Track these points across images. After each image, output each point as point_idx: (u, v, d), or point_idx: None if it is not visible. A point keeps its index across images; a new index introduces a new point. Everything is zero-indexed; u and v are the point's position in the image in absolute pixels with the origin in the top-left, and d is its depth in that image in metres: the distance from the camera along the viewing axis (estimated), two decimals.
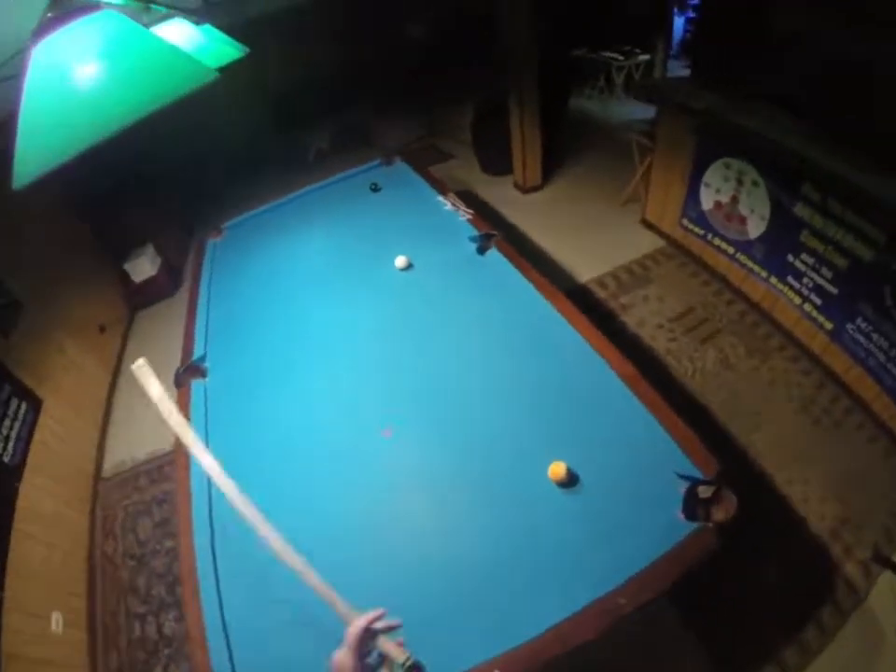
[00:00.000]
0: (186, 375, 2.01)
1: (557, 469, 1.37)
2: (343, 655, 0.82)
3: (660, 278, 3.55)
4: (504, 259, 2.24)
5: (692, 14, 5.64)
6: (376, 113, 5.64)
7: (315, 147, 5.54)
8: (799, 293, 2.84)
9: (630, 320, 3.25)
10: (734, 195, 3.05)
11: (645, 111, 4.86)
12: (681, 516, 1.27)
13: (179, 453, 1.71)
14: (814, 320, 2.79)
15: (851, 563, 2.09)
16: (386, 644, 0.85)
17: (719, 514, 1.27)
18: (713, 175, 3.14)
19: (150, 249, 4.08)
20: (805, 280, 2.77)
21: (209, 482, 1.51)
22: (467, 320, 2.04)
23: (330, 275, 2.47)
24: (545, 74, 3.99)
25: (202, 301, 2.44)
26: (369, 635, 0.84)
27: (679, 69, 5.74)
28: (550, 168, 4.73)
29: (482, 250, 2.34)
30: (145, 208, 4.10)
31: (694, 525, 1.25)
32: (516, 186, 4.68)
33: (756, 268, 3.07)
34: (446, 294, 2.20)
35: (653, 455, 1.38)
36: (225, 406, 1.88)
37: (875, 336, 2.44)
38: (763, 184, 2.82)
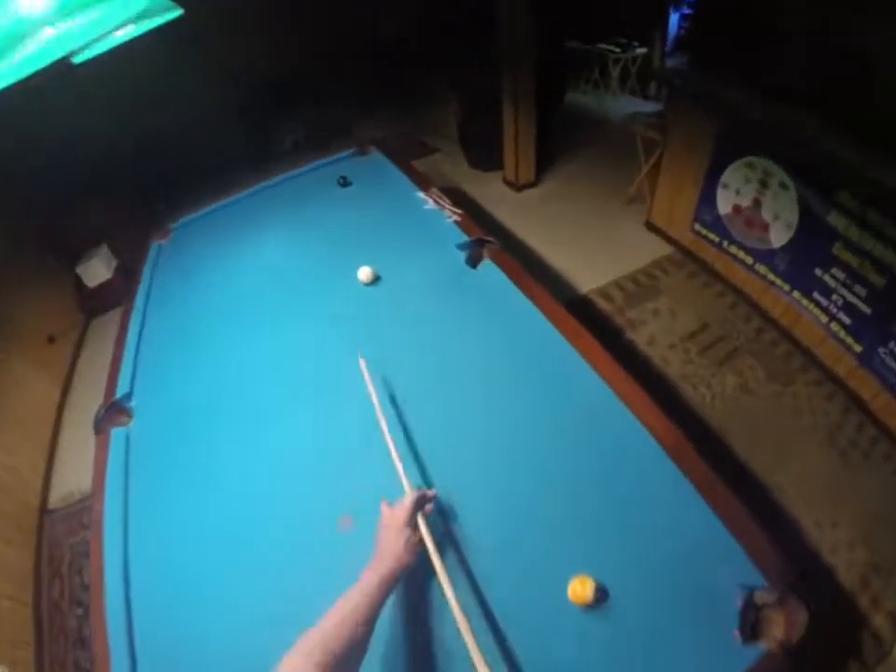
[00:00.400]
0: (106, 418, 1.59)
1: (582, 590, 0.97)
2: (399, 511, 1.00)
3: (669, 289, 3.23)
4: (502, 275, 1.73)
5: (686, 10, 5.25)
6: (358, 106, 5.24)
7: (291, 138, 5.14)
8: (826, 311, 2.54)
9: (639, 338, 2.94)
10: (756, 198, 2.73)
11: (643, 107, 4.50)
12: (737, 635, 0.91)
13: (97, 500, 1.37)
14: (841, 341, 2.50)
15: (880, 614, 1.89)
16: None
17: (778, 630, 0.95)
18: (733, 175, 2.81)
19: (105, 250, 3.69)
20: (835, 297, 2.48)
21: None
22: (450, 361, 1.53)
23: (279, 292, 1.99)
24: (541, 65, 3.65)
25: (134, 319, 1.99)
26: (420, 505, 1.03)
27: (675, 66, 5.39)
28: (544, 165, 4.37)
29: (473, 261, 1.86)
30: (100, 205, 3.70)
31: (755, 651, 0.90)
32: (507, 182, 4.32)
33: (778, 281, 2.77)
34: (424, 321, 1.69)
35: (703, 553, 1.02)
36: (147, 463, 1.46)
37: None
38: (793, 187, 2.50)
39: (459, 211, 2.11)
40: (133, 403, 1.66)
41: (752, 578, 0.96)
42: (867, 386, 2.43)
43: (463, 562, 1.07)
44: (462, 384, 1.46)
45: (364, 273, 1.87)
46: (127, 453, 1.49)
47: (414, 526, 1.00)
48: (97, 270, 3.62)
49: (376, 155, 2.78)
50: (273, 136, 5.10)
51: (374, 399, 1.30)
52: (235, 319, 1.90)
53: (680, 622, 0.95)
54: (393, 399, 1.41)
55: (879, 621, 1.86)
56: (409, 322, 1.70)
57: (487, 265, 1.82)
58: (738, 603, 0.93)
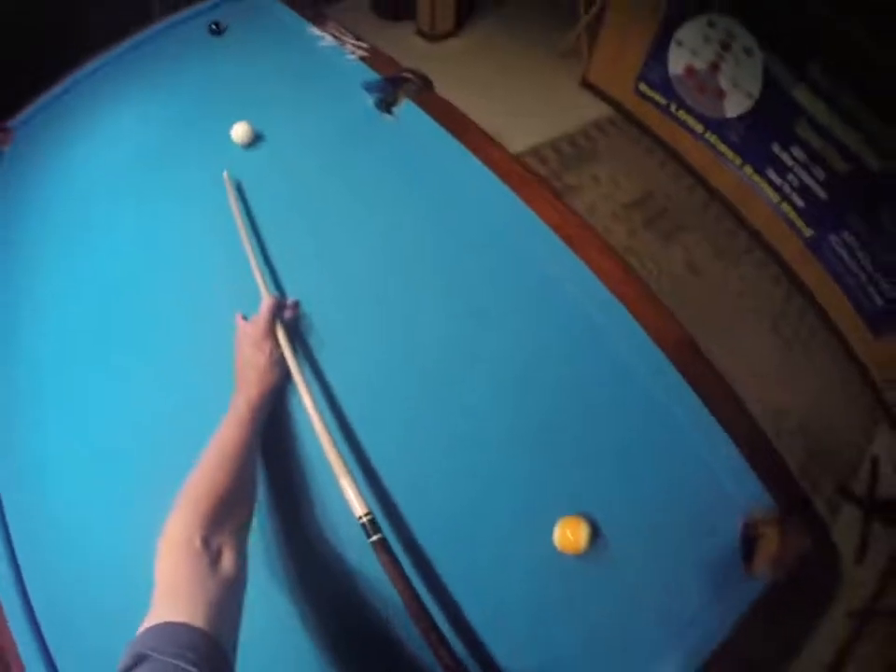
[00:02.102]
0: None
1: (575, 535, 0.74)
2: (254, 322, 0.86)
3: (609, 153, 2.94)
4: (431, 122, 1.25)
5: None
6: None
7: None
8: (779, 190, 2.42)
9: (579, 205, 2.65)
10: (714, 62, 2.38)
11: None
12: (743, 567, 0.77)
13: None
14: (791, 223, 2.42)
15: (818, 499, 2.05)
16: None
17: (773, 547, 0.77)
18: (690, 32, 2.41)
19: None
20: (791, 177, 2.33)
21: None
22: (371, 237, 1.11)
23: (144, 170, 1.44)
24: None
25: None
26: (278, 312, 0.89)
27: None
28: (465, 12, 3.60)
29: (386, 105, 1.35)
30: None
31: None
32: (420, 33, 3.54)
33: (729, 153, 2.56)
34: (324, 185, 1.23)
35: (701, 466, 0.82)
36: None
37: (860, 254, 2.15)
38: (758, 54, 2.19)
39: (365, 44, 1.57)
40: None
41: (754, 495, 0.80)
42: (812, 272, 2.42)
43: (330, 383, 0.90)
44: (377, 260, 1.08)
45: (238, 130, 1.35)
46: None
47: (274, 338, 0.86)
48: None
49: None
50: None
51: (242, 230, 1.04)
52: (77, 224, 1.34)
53: (681, 551, 0.79)
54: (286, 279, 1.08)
55: (818, 505, 1.95)
56: (300, 186, 1.25)
57: (407, 108, 1.32)
58: (739, 524, 0.79)
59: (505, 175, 1.11)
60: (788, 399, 2.21)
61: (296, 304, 0.95)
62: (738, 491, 0.79)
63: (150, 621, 0.49)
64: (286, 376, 0.86)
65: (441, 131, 1.23)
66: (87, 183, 1.47)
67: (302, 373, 0.82)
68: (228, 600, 0.55)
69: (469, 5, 3.67)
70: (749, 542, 0.77)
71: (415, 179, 1.19)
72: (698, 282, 2.49)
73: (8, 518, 0.88)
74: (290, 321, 0.93)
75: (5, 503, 0.89)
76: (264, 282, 0.95)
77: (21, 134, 1.80)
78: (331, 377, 0.90)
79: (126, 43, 2.02)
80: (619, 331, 0.91)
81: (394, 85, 1.39)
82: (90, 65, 1.99)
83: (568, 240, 1.01)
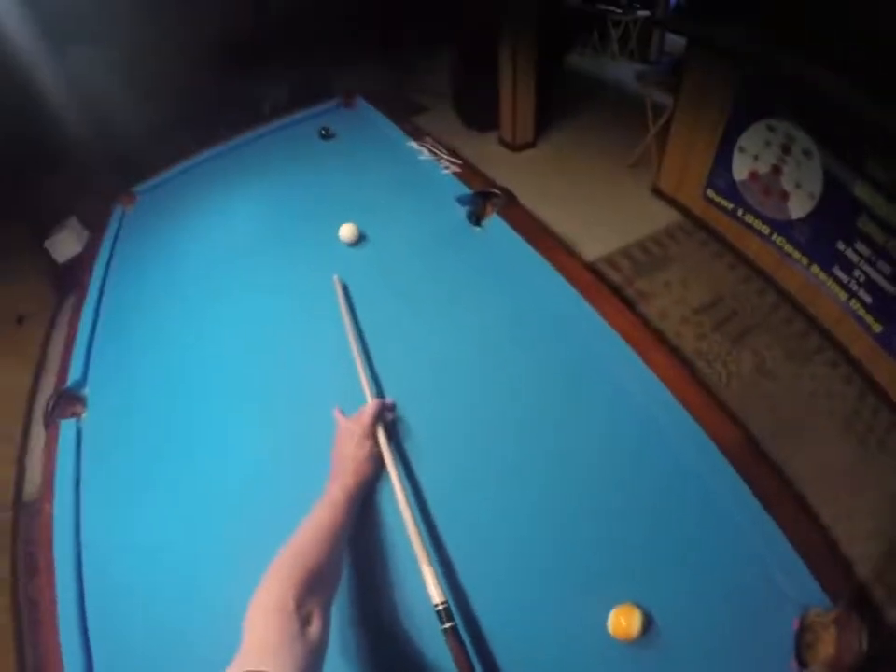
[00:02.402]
0: (56, 409, 1.34)
1: (628, 623, 0.75)
2: (358, 419, 0.95)
3: (680, 259, 3.04)
4: (514, 234, 1.42)
5: None
6: (341, 64, 4.82)
7: (270, 99, 4.71)
8: (846, 287, 2.38)
9: (651, 311, 2.75)
10: (776, 165, 2.52)
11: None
12: (795, 666, 0.74)
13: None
14: (860, 319, 2.36)
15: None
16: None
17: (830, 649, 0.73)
18: (752, 138, 2.59)
19: (74, 222, 3.43)
20: (857, 273, 2.31)
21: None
22: (454, 336, 1.25)
23: (250, 259, 1.69)
24: (542, 18, 3.36)
25: (90, 296, 1.70)
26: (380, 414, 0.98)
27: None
28: (542, 126, 4.08)
29: (476, 217, 1.55)
30: (60, 174, 3.41)
31: None
32: (503, 142, 4.04)
33: (795, 254, 2.60)
34: (416, 283, 1.41)
35: (755, 561, 0.84)
36: (101, 459, 1.23)
37: None
38: (817, 155, 2.30)
39: (458, 160, 1.79)
40: (86, 391, 1.41)
41: (809, 592, 0.79)
42: (884, 369, 2.31)
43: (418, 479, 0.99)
44: (461, 360, 1.21)
45: (346, 231, 1.54)
46: (79, 447, 1.26)
47: (374, 437, 0.95)
48: (67, 243, 3.37)
49: (364, 106, 2.39)
50: (256, 98, 4.68)
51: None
52: (201, 291, 1.62)
53: (734, 648, 0.78)
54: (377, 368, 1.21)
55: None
56: (399, 286, 1.42)
57: (494, 221, 1.51)
58: (795, 624, 0.76)
59: (576, 281, 1.25)
60: (862, 500, 2.05)
61: (393, 406, 1.05)
62: (794, 590, 0.79)
63: (236, 669, 0.52)
64: (379, 471, 0.95)
65: (526, 245, 1.39)
66: (207, 252, 1.75)
67: (397, 470, 0.91)
68: (312, 664, 0.58)
69: (547, 120, 4.10)
70: (804, 642, 0.75)
71: (499, 284, 1.35)
72: (768, 384, 2.44)
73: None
74: (388, 421, 1.02)
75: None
76: (368, 384, 1.06)
77: (143, 199, 2.16)
78: (419, 474, 0.98)
79: (240, 138, 2.35)
80: (682, 433, 0.97)
81: (484, 199, 1.58)
82: (211, 151, 2.31)
83: (635, 344, 1.10)
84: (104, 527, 1.10)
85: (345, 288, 1.37)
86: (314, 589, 0.66)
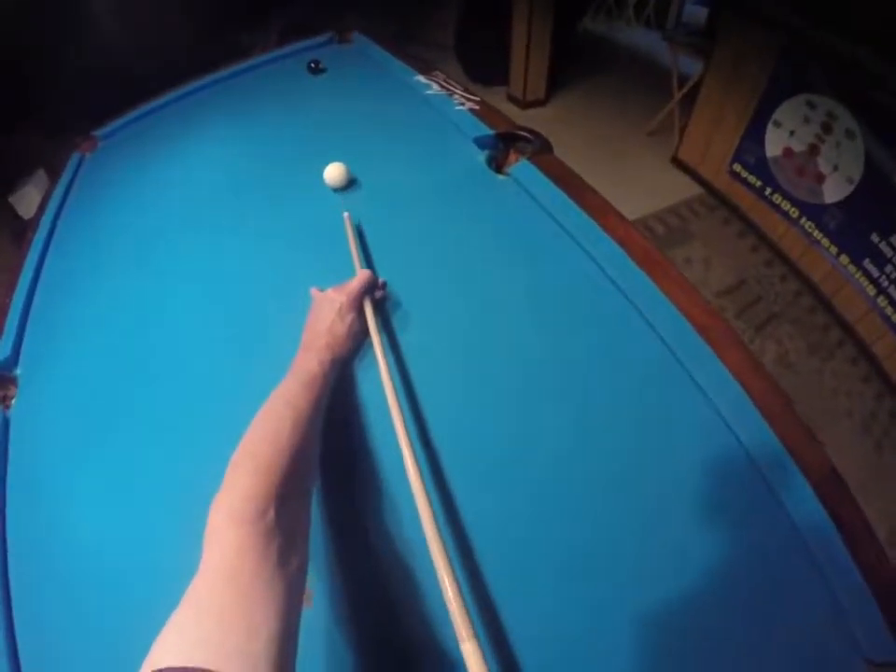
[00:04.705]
0: None
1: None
2: (345, 288, 0.78)
3: (701, 236, 2.87)
4: (553, 186, 1.07)
5: None
6: (334, 10, 4.35)
7: (258, 47, 4.26)
8: (875, 283, 2.24)
9: None
10: (814, 144, 2.31)
11: (660, 43, 3.67)
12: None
13: None
14: (887, 318, 2.23)
15: None
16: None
17: None
18: (788, 113, 2.37)
19: (42, 175, 3.13)
20: (889, 269, 2.16)
21: None
22: (470, 303, 0.93)
23: (221, 206, 1.35)
24: None
25: (30, 258, 1.39)
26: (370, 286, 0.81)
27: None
28: (555, 85, 3.78)
29: (497, 164, 1.21)
30: (30, 125, 3.09)
31: None
32: (512, 99, 3.74)
33: (824, 241, 2.43)
34: (424, 247, 1.07)
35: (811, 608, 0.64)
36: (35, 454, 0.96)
37: None
38: (861, 138, 2.10)
39: (475, 97, 1.42)
40: (18, 371, 1.11)
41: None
42: None
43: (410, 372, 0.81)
44: (479, 329, 0.90)
45: (332, 171, 1.17)
46: (6, 439, 0.99)
47: (359, 311, 0.78)
48: (33, 198, 3.08)
49: (362, 41, 2.02)
50: (243, 46, 4.23)
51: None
52: (156, 254, 1.26)
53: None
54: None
55: None
56: (399, 246, 1.07)
57: (523, 167, 1.15)
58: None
59: (628, 247, 0.96)
60: (877, 503, 2.04)
61: (384, 284, 0.87)
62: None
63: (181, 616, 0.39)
64: (357, 350, 0.79)
65: (578, 210, 1.04)
66: (170, 202, 1.41)
67: (386, 359, 0.72)
68: (289, 605, 0.43)
69: (559, 80, 3.82)
70: None
71: (535, 265, 1.02)
72: (791, 377, 2.33)
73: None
74: (378, 300, 0.85)
75: None
76: (358, 259, 0.90)
77: (106, 145, 1.80)
78: (410, 366, 0.80)
79: (223, 71, 1.99)
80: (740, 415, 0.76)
81: (509, 143, 1.25)
82: (182, 88, 1.96)
83: (700, 329, 0.86)
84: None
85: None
86: (292, 487, 0.52)
